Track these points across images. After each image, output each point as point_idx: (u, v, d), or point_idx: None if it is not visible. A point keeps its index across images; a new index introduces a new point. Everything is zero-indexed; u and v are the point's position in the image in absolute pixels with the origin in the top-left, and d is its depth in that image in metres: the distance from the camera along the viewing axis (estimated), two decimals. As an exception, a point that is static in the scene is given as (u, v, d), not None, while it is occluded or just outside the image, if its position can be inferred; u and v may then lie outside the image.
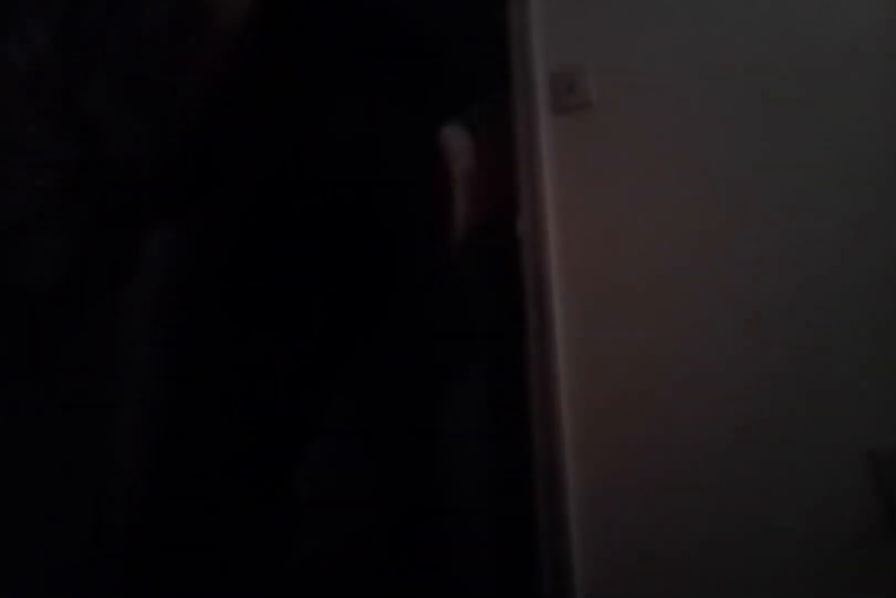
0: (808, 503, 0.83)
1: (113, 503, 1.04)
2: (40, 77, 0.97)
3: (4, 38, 0.94)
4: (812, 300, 0.94)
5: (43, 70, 0.98)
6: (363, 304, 1.14)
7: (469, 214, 1.20)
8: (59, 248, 0.95)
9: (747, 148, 1.08)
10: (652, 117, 1.17)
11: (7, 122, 0.91)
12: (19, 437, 1.03)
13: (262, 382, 1.07)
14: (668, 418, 0.94)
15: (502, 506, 2.82)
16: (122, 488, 1.06)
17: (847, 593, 0.77)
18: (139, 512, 1.04)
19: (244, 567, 0.99)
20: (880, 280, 0.92)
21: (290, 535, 1.07)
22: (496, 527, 2.78)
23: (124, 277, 1.09)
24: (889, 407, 0.84)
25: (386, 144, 1.14)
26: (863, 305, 0.91)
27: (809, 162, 1.03)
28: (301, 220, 1.11)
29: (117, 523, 1.03)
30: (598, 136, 1.20)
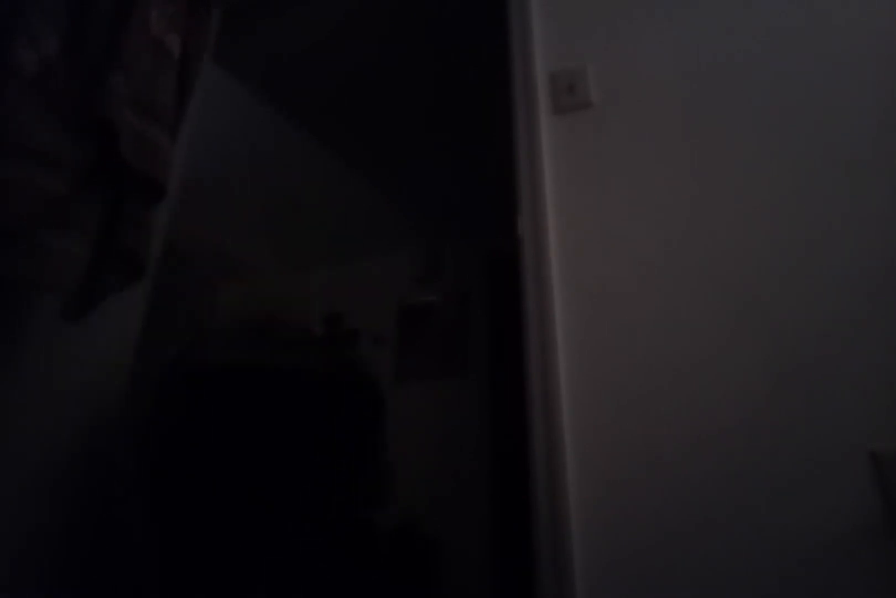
0: (809, 504, 0.83)
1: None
2: (50, 77, 0.97)
3: (12, 39, 0.94)
4: (815, 300, 0.94)
5: (52, 70, 0.98)
6: None
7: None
8: (68, 249, 0.95)
9: (747, 147, 1.08)
10: (652, 117, 1.17)
11: (15, 123, 0.91)
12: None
13: None
14: (669, 419, 0.94)
15: (502, 506, 2.82)
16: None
17: (848, 593, 0.77)
18: None
19: None
20: (885, 279, 0.92)
21: None
22: (496, 527, 2.78)
23: (133, 278, 1.09)
24: (891, 408, 0.84)
25: None
26: (866, 303, 0.91)
27: (809, 159, 1.03)
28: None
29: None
30: (598, 135, 1.20)
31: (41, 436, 1.09)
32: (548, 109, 1.27)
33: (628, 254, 1.08)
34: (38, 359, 1.12)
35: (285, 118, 2.72)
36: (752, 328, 0.96)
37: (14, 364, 1.08)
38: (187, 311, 4.06)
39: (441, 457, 3.00)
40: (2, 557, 0.99)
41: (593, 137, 1.21)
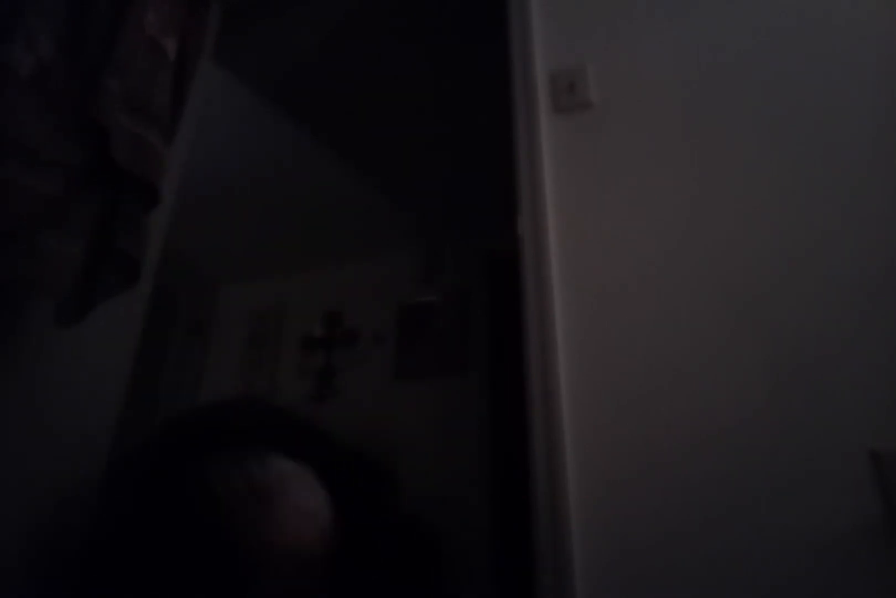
0: (809, 503, 0.83)
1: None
2: (48, 78, 0.97)
3: (10, 40, 0.94)
4: (815, 300, 0.94)
5: (51, 71, 0.98)
6: None
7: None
8: (64, 250, 0.95)
9: (747, 147, 1.08)
10: (652, 117, 1.17)
11: (12, 124, 0.91)
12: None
13: None
14: (669, 418, 0.94)
15: (502, 506, 2.82)
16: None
17: (848, 593, 0.77)
18: None
19: None
20: (885, 279, 0.92)
21: None
22: (496, 527, 2.78)
23: (130, 281, 1.09)
24: (891, 408, 0.84)
25: None
26: (866, 304, 0.91)
27: (809, 159, 1.03)
28: None
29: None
30: (598, 135, 1.20)
31: (38, 440, 1.09)
32: (548, 109, 1.27)
33: (628, 254, 1.07)
34: (36, 361, 1.12)
35: (286, 118, 2.72)
36: (753, 328, 0.96)
37: (10, 368, 1.08)
38: (187, 311, 4.06)
39: (441, 457, 3.00)
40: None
41: (593, 136, 1.21)
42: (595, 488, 0.93)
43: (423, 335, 3.47)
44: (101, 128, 0.99)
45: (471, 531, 2.76)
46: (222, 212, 3.42)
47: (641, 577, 0.86)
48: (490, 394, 3.07)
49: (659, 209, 1.09)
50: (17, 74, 0.93)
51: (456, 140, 2.81)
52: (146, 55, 1.11)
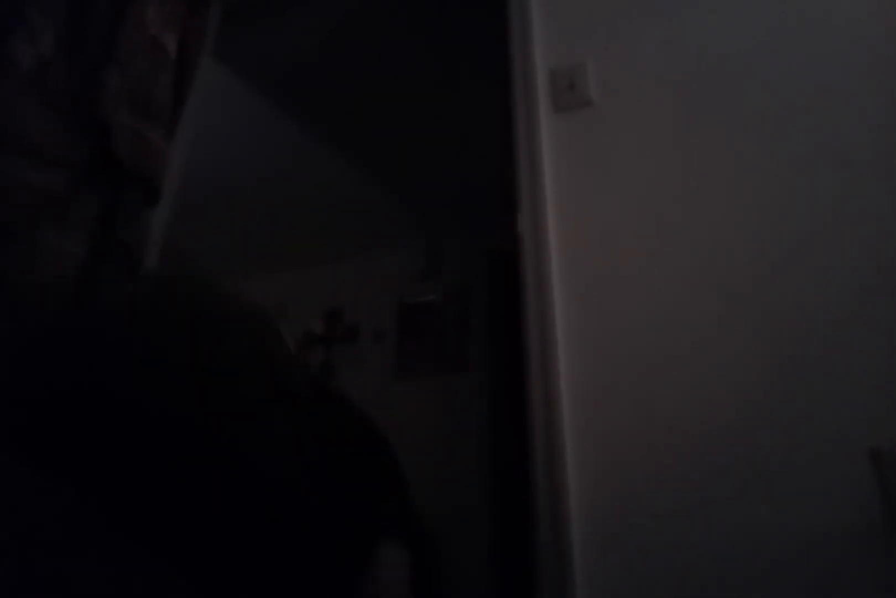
0: (808, 502, 0.83)
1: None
2: (48, 76, 0.97)
3: (12, 37, 0.94)
4: (816, 298, 0.94)
5: (51, 69, 0.98)
6: None
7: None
8: (65, 247, 0.95)
9: (746, 146, 1.08)
10: (652, 116, 1.17)
11: (13, 120, 0.91)
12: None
13: None
14: (669, 418, 0.94)
15: (502, 505, 2.82)
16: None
17: (847, 593, 0.77)
18: None
19: None
20: (884, 276, 0.92)
21: None
22: (496, 527, 2.78)
23: (129, 275, 1.09)
24: (891, 405, 0.84)
25: None
26: (866, 302, 0.91)
27: (807, 158, 1.03)
28: None
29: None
30: (598, 134, 1.20)
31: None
32: (548, 108, 1.27)
33: (628, 252, 1.08)
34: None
35: (286, 117, 2.72)
36: (753, 327, 0.96)
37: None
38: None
39: (441, 456, 3.00)
40: None
41: (593, 135, 1.21)
42: (595, 488, 0.93)
43: (424, 334, 3.47)
44: (102, 125, 0.99)
45: (471, 531, 2.76)
46: (222, 210, 3.42)
47: (641, 577, 0.86)
48: (490, 393, 3.07)
49: (658, 207, 1.09)
50: (18, 72, 0.93)
51: (456, 139, 2.81)
52: (147, 54, 1.11)
